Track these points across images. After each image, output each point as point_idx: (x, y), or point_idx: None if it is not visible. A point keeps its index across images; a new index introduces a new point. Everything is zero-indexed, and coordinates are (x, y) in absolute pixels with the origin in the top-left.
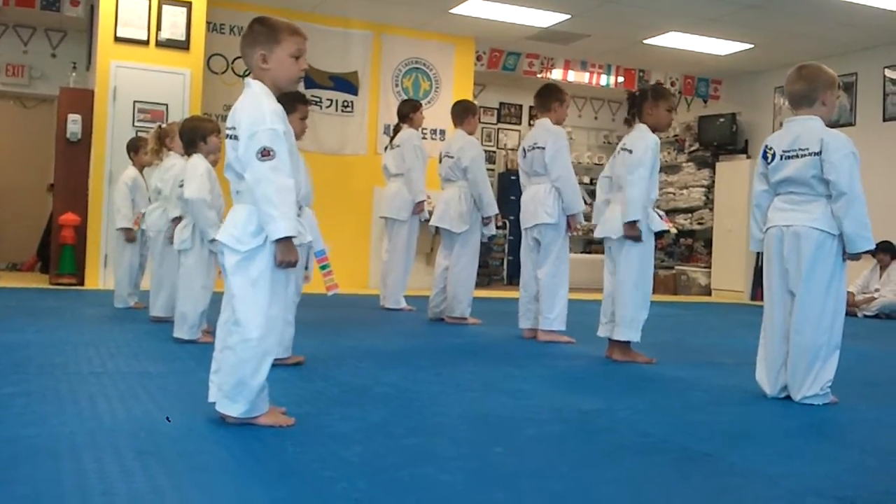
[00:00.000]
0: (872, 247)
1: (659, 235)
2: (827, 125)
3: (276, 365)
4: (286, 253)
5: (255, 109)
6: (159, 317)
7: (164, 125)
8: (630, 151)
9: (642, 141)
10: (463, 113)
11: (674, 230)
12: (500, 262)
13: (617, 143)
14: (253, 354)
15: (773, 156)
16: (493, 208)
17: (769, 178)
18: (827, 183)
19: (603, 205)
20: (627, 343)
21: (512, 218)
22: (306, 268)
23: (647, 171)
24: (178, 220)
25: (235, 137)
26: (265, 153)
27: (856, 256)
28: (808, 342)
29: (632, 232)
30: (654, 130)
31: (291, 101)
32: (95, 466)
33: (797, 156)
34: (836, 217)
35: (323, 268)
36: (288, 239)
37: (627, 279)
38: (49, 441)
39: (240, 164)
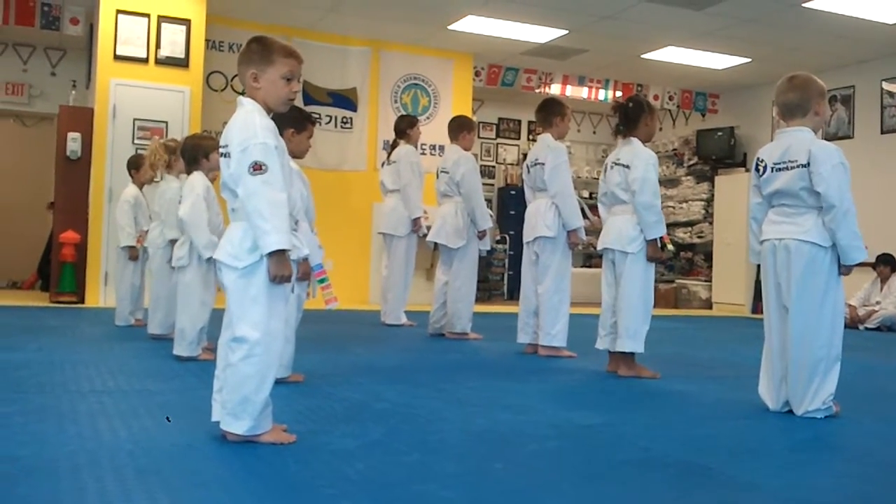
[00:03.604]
0: (865, 257)
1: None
2: (825, 138)
3: (276, 383)
4: (279, 267)
5: (246, 125)
6: (158, 334)
7: (162, 140)
8: (627, 167)
9: (640, 158)
10: (458, 129)
11: (671, 246)
12: (501, 276)
13: None
14: (256, 370)
15: (765, 168)
16: (486, 222)
17: (762, 190)
18: (817, 195)
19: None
20: (632, 356)
21: (512, 233)
22: (308, 284)
23: (655, 188)
24: (175, 241)
25: (228, 155)
26: (257, 167)
27: (848, 269)
28: (806, 357)
29: (655, 252)
30: (644, 142)
31: (301, 121)
32: (96, 486)
33: (787, 168)
34: (827, 229)
35: (321, 281)
36: (281, 252)
37: (632, 291)
38: (48, 460)
39: (233, 181)
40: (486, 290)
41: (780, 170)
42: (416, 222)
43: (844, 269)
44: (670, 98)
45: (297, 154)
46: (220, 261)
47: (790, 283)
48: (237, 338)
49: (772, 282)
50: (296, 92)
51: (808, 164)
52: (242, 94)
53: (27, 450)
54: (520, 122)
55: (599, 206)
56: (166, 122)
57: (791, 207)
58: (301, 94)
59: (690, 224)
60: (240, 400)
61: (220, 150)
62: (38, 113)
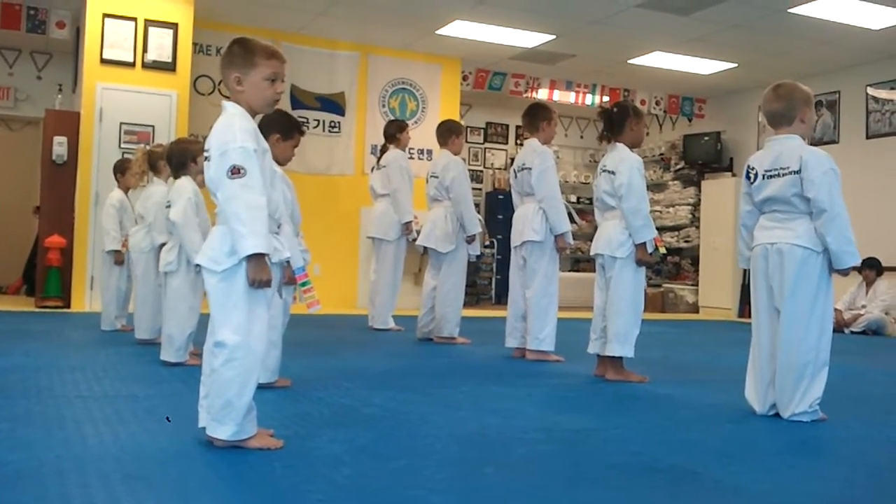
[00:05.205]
0: (858, 261)
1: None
2: (811, 143)
3: (264, 388)
4: (258, 271)
5: (226, 129)
6: (145, 339)
7: (148, 146)
8: (612, 173)
9: (625, 163)
10: (447, 133)
11: (663, 249)
12: (489, 281)
13: None
14: (236, 374)
15: (756, 175)
16: (475, 227)
17: (753, 198)
18: (808, 200)
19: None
20: (620, 360)
21: (500, 237)
22: (295, 288)
23: (641, 192)
24: (164, 245)
25: (209, 159)
26: (235, 171)
27: (844, 272)
28: (795, 360)
29: (644, 256)
30: (631, 147)
31: (290, 128)
32: (81, 491)
33: (778, 175)
34: (819, 234)
35: (303, 284)
36: (259, 256)
37: (622, 295)
38: (34, 466)
39: (213, 185)
40: (475, 294)
41: (771, 177)
42: (406, 226)
43: (836, 272)
44: (657, 103)
45: (280, 161)
46: (200, 265)
47: (783, 285)
48: (218, 342)
49: (763, 285)
50: (280, 93)
51: (800, 170)
52: (228, 98)
53: (13, 455)
54: (507, 126)
55: (595, 210)
56: (153, 126)
57: (783, 213)
58: (289, 98)
59: (677, 228)
60: (222, 405)
61: (204, 154)
62: (24, 117)
